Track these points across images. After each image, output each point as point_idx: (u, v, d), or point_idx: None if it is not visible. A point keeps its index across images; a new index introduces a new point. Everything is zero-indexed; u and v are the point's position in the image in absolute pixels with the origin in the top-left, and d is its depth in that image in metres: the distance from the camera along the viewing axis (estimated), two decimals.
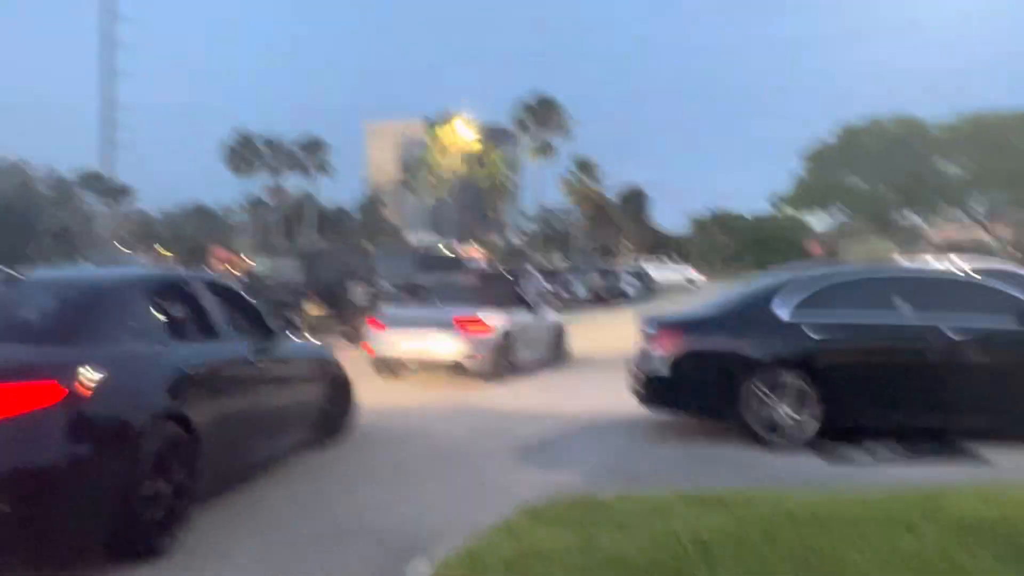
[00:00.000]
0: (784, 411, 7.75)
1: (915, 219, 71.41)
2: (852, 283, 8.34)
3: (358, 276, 17.40)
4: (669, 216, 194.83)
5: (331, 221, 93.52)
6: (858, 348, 8.00)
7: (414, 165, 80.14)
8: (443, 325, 12.08)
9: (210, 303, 6.28)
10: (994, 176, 57.52)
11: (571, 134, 73.56)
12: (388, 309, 13.54)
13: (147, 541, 4.79)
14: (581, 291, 31.42)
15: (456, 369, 12.17)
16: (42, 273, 6.61)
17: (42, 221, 49.86)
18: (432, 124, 75.51)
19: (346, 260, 18.03)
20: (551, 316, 15.32)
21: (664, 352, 8.09)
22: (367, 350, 12.74)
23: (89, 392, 4.46)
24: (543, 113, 71.30)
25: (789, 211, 77.50)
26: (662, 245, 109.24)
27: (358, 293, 17.14)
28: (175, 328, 5.74)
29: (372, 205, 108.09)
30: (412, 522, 5.74)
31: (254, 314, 7.03)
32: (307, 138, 77.71)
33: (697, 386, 8.06)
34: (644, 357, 8.49)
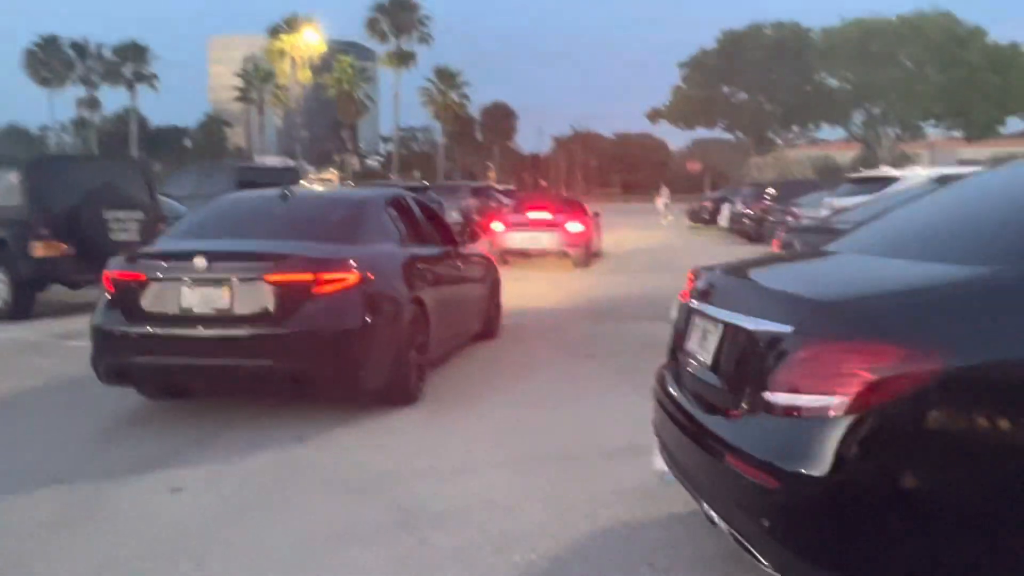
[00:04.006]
0: None
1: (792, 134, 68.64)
2: None
3: (125, 200, 11.12)
4: (533, 137, 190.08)
5: (164, 140, 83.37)
6: None
7: (257, 76, 70.97)
8: (553, 225, 16.83)
9: (418, 214, 7.51)
10: (877, 87, 54.47)
11: (431, 42, 66.58)
12: (508, 215, 18.38)
13: (409, 391, 6.10)
14: (454, 215, 25.40)
15: (561, 256, 16.76)
16: (304, 190, 8.57)
17: None
18: (277, 30, 66.37)
19: (104, 175, 11.46)
20: (599, 220, 19.78)
21: (838, 397, 2.39)
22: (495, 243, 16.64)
23: (374, 277, 5.75)
24: (399, 16, 63.70)
25: (666, 126, 73.38)
26: (526, 167, 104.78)
27: (124, 225, 10.92)
28: (403, 232, 6.94)
29: (214, 125, 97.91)
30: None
31: (442, 224, 8.14)
32: (124, 43, 66.99)
33: (964, 504, 2.33)
34: (748, 421, 2.73)
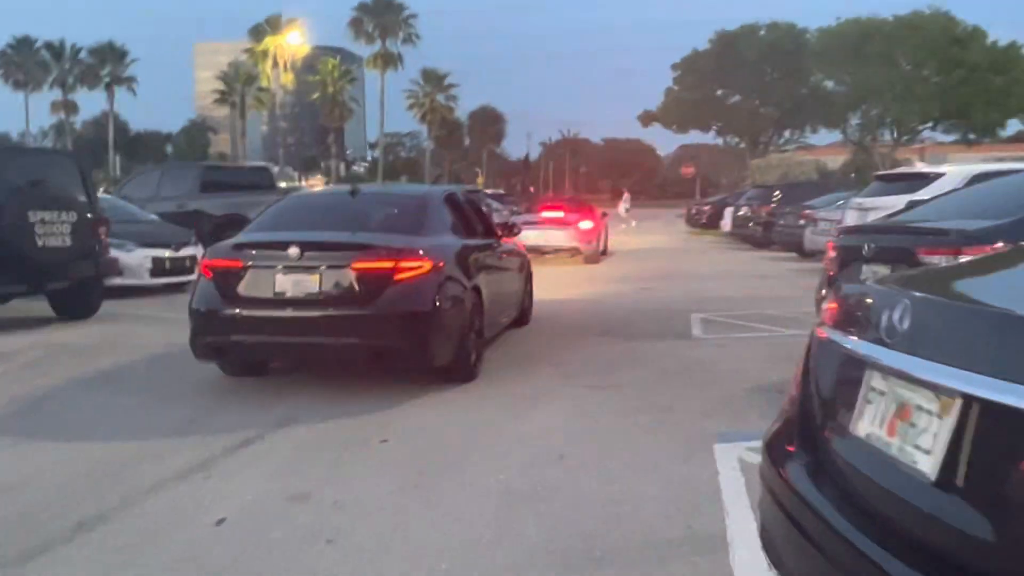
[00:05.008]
0: None
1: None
2: None
3: (55, 199, 9.49)
4: (522, 142, 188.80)
5: (145, 146, 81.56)
6: None
7: (239, 79, 69.13)
8: (566, 223, 18.48)
9: (468, 210, 8.18)
10: (874, 89, 53.16)
11: (417, 42, 65.06)
12: (522, 215, 20.06)
13: (470, 369, 6.72)
14: None
15: (573, 253, 18.38)
16: (371, 187, 9.81)
17: None
18: (259, 31, 64.57)
19: (31, 170, 9.73)
20: (607, 220, 21.84)
21: None
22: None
23: (443, 266, 6.39)
24: (383, 16, 62.08)
25: (658, 129, 71.82)
26: (514, 172, 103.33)
27: (54, 228, 9.30)
28: (459, 225, 7.57)
29: (197, 130, 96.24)
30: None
31: (485, 219, 8.68)
32: (101, 45, 65.06)
33: None
34: None
